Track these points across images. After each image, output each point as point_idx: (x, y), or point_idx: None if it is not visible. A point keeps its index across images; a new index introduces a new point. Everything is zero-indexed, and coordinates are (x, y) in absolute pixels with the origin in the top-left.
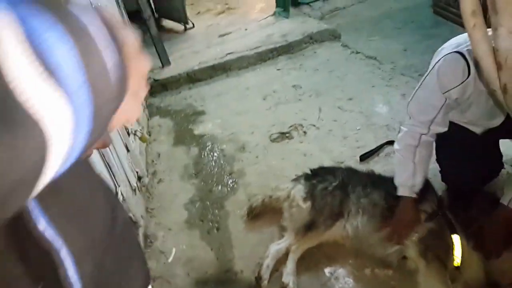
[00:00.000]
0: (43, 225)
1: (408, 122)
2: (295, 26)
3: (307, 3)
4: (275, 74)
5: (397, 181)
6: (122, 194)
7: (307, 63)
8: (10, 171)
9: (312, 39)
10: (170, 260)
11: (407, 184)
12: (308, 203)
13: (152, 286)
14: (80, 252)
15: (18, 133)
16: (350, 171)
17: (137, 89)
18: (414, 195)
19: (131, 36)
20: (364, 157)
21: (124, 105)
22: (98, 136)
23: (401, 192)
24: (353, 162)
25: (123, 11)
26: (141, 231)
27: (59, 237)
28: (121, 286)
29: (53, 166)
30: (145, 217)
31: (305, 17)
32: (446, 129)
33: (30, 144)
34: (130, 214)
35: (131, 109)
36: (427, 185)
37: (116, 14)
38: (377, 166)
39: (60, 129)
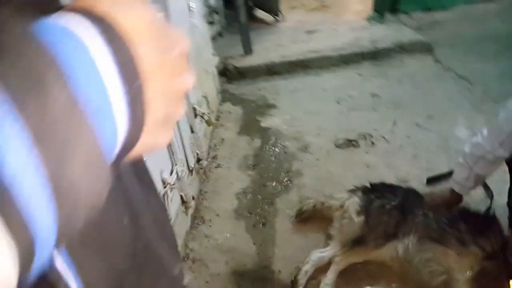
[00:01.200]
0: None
1: (483, 133)
2: (388, 33)
3: (406, 12)
4: (355, 79)
5: (453, 178)
6: (177, 173)
7: (392, 73)
8: None
9: (403, 49)
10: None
11: (459, 183)
12: (361, 218)
13: (191, 267)
14: (94, 282)
15: None
16: (412, 192)
17: (171, 112)
18: (462, 193)
19: (182, 41)
20: (431, 181)
21: (146, 137)
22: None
23: (451, 185)
24: (418, 184)
25: None
26: (190, 212)
27: (72, 266)
28: None
29: None
30: (197, 198)
31: (400, 26)
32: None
33: None
34: (182, 193)
35: (157, 139)
36: (493, 222)
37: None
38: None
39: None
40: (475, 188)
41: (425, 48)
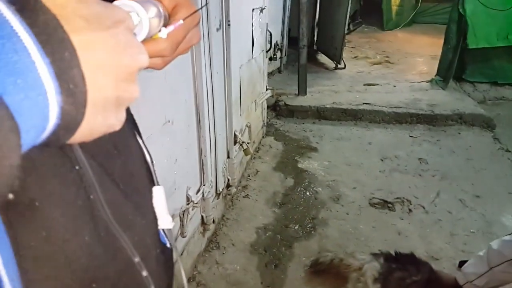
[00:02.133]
0: None
1: None
2: (448, 100)
3: (472, 82)
4: (405, 140)
5: (463, 267)
6: (203, 193)
7: (446, 142)
8: None
9: (461, 120)
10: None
11: (467, 277)
12: (377, 286)
13: None
14: None
15: None
16: (439, 275)
17: (122, 92)
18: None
19: (126, 18)
20: (464, 265)
21: (93, 118)
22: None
23: (458, 277)
24: (450, 265)
25: (286, 34)
26: (207, 234)
27: (16, 277)
28: None
29: None
30: (217, 223)
31: (463, 95)
32: None
33: None
34: (203, 214)
35: (107, 120)
36: None
37: None
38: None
39: None
40: None
41: (485, 123)
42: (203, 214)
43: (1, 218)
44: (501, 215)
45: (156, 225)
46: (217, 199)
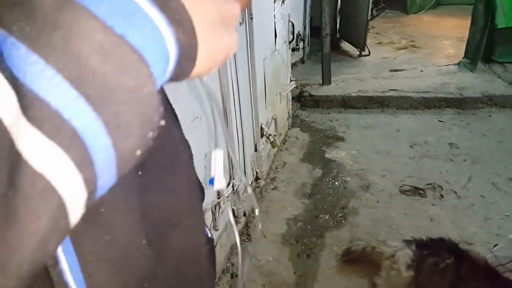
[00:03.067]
0: (65, 264)
1: None
2: (477, 82)
3: (502, 62)
4: (434, 125)
5: (494, 249)
6: (233, 186)
7: (476, 125)
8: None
9: (492, 101)
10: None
11: (499, 259)
12: (411, 273)
13: (229, 281)
14: None
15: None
16: (473, 258)
17: (225, 10)
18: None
19: None
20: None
21: (207, 42)
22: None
23: (488, 259)
24: (484, 250)
25: (308, 24)
26: (238, 227)
27: (82, 281)
28: None
29: (76, 210)
30: (248, 216)
31: (492, 76)
32: None
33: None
34: (234, 207)
35: (222, 41)
36: None
37: None
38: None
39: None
40: None
41: None
42: (234, 208)
43: None
44: None
45: (204, 221)
46: (246, 192)
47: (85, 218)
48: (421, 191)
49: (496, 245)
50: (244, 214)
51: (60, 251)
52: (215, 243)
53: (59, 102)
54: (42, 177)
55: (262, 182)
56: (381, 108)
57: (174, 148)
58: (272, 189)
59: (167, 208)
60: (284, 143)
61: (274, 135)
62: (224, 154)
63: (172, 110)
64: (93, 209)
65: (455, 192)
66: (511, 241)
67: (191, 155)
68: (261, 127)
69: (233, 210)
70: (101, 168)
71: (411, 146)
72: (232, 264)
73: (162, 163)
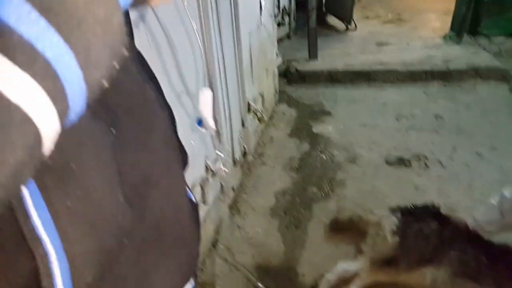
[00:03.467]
0: (37, 219)
1: None
2: (463, 54)
3: (487, 35)
4: (420, 97)
5: (475, 214)
6: (221, 162)
7: (461, 97)
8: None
9: (477, 74)
10: None
11: (479, 223)
12: (396, 239)
13: (219, 253)
14: (81, 258)
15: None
16: (457, 223)
17: None
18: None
19: None
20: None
21: None
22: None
23: (469, 223)
24: (468, 216)
25: None
26: (227, 201)
27: (56, 237)
28: None
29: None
30: (237, 191)
31: (478, 49)
32: None
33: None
34: (222, 183)
35: None
36: None
37: None
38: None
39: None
40: (491, 235)
41: (501, 76)
42: (222, 183)
43: (37, 184)
44: None
45: (184, 182)
46: (235, 167)
47: (56, 175)
48: (406, 162)
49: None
50: (233, 189)
51: (30, 206)
52: (204, 218)
53: (31, 32)
54: (18, 108)
55: (250, 158)
56: (368, 82)
57: (149, 108)
58: (260, 164)
59: (144, 167)
60: (271, 119)
61: (261, 111)
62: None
63: (149, 70)
64: (63, 165)
65: (440, 162)
66: (491, 206)
67: (171, 116)
68: (248, 102)
69: (221, 185)
70: (73, 100)
71: (397, 119)
72: (222, 237)
73: (137, 122)
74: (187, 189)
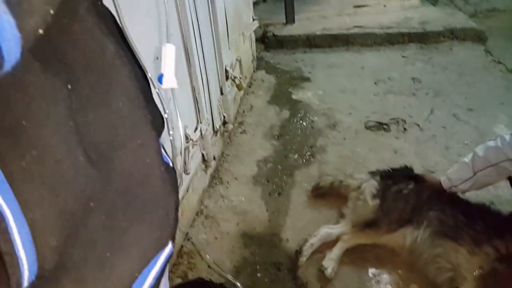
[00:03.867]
0: None
1: (507, 139)
2: (439, 16)
3: None
4: (398, 60)
5: (448, 173)
6: (201, 131)
7: (438, 59)
8: None
9: (453, 35)
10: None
11: (452, 182)
12: (376, 201)
13: (203, 222)
14: (42, 222)
15: None
16: (434, 184)
17: None
18: (449, 191)
19: None
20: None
21: None
22: None
23: (443, 182)
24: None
25: None
26: (209, 171)
27: (12, 199)
28: (106, 260)
29: None
30: (218, 160)
31: (454, 10)
32: None
33: None
34: (203, 152)
35: None
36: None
37: None
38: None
39: None
40: (464, 193)
41: (477, 37)
42: (203, 152)
43: None
44: (494, 125)
45: (157, 144)
46: (215, 136)
47: (7, 131)
48: (385, 126)
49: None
50: (214, 158)
51: None
52: (186, 188)
53: None
54: None
55: (230, 126)
56: (346, 46)
57: (109, 63)
58: (241, 133)
59: (107, 126)
60: (250, 86)
61: (240, 78)
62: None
63: (110, 23)
64: (13, 122)
65: (418, 125)
66: (463, 164)
67: (136, 73)
68: (225, 69)
69: (202, 155)
70: (7, 50)
71: (375, 83)
72: (206, 206)
73: (95, 78)
74: (162, 152)
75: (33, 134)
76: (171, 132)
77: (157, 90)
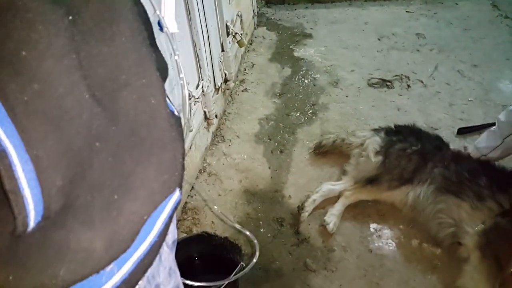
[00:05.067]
0: None
1: None
2: None
3: None
4: (402, 15)
5: (476, 142)
6: (203, 88)
7: (443, 14)
8: None
9: None
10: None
11: (481, 151)
12: (379, 158)
13: (206, 179)
14: (46, 159)
15: None
16: (437, 139)
17: None
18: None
19: None
20: (462, 131)
21: None
22: None
23: (471, 152)
24: (449, 134)
25: None
26: (211, 129)
27: (15, 134)
28: (113, 202)
29: None
30: (220, 118)
31: None
32: None
33: None
34: (205, 110)
35: None
36: None
37: None
38: (472, 145)
39: None
40: (498, 160)
41: None
42: (205, 110)
43: None
44: (498, 81)
45: (162, 85)
46: (217, 94)
47: (7, 62)
48: (388, 83)
49: (460, 128)
50: (216, 116)
51: None
52: (189, 145)
53: None
54: None
55: (231, 84)
56: (349, 1)
57: None
58: (242, 91)
59: (111, 62)
60: (251, 44)
61: (241, 34)
62: None
63: None
64: (12, 51)
65: (422, 82)
66: (491, 133)
67: (136, 6)
68: (226, 24)
69: (204, 112)
70: None
71: (379, 39)
72: (209, 164)
73: (97, 10)
74: (167, 100)
75: (34, 66)
76: (181, 76)
77: (165, 28)
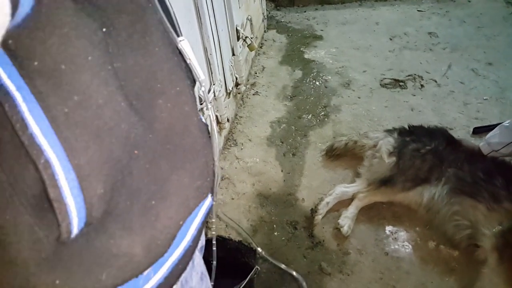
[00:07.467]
0: (34, 126)
1: None
2: None
3: None
4: (413, 15)
5: (487, 137)
6: (214, 92)
7: (455, 12)
8: None
9: None
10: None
11: (493, 146)
12: (393, 159)
13: (219, 184)
14: (88, 168)
15: None
16: (451, 139)
17: None
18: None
19: None
20: (478, 131)
21: None
22: None
23: (482, 146)
24: (464, 133)
25: None
26: (223, 133)
27: (57, 144)
28: (151, 208)
29: None
30: (232, 122)
31: None
32: None
33: None
34: (217, 114)
35: None
36: None
37: None
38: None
39: None
40: (509, 157)
41: None
42: (217, 114)
43: (30, 89)
44: None
45: (193, 93)
46: (228, 98)
47: (48, 77)
48: (401, 83)
49: (475, 127)
50: (228, 120)
51: (26, 114)
52: None
53: None
54: None
55: (242, 88)
56: (359, 2)
57: (141, 7)
58: (253, 94)
59: (146, 72)
60: (261, 47)
61: (251, 38)
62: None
63: None
64: (52, 66)
65: (435, 81)
66: (503, 128)
67: (169, 18)
68: (236, 29)
69: (216, 116)
70: None
71: (390, 39)
72: (221, 168)
73: (130, 22)
74: (195, 101)
75: (73, 78)
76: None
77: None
